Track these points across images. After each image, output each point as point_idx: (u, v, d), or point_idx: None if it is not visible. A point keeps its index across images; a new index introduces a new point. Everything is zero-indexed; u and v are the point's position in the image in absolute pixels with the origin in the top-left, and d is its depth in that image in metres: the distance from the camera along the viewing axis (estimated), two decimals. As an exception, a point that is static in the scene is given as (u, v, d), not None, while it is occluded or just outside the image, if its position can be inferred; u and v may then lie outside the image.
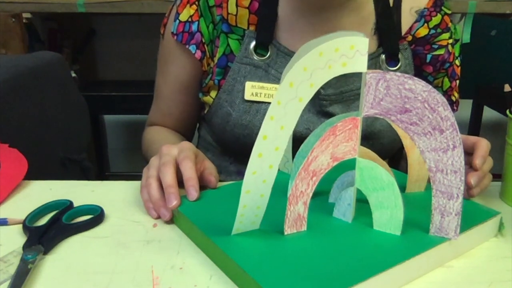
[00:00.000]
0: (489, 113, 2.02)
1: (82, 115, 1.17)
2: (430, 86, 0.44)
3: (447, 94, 0.82)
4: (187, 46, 0.75)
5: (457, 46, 0.80)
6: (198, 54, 0.75)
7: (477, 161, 0.57)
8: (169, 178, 0.56)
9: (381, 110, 0.46)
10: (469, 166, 0.58)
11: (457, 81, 0.82)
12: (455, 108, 0.83)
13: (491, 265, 0.49)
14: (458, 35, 0.80)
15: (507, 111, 0.61)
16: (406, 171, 0.59)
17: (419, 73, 0.78)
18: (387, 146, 0.76)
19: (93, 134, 2.12)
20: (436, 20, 0.76)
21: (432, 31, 0.76)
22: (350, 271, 0.43)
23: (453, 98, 0.83)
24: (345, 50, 0.44)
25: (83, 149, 1.16)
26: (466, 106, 2.03)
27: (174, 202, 0.55)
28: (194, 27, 0.74)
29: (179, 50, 0.77)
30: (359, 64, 0.45)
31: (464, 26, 1.84)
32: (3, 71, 0.91)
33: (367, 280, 0.42)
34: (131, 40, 2.15)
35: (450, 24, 0.78)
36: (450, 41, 0.78)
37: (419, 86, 0.44)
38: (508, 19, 1.87)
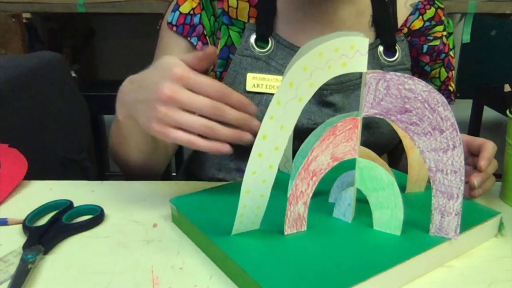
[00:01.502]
0: (489, 113, 2.02)
1: (82, 115, 1.17)
2: (430, 86, 0.44)
3: (444, 84, 0.84)
4: (188, 39, 0.75)
5: (451, 39, 0.83)
6: (200, 45, 0.75)
7: (482, 162, 0.58)
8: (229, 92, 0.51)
9: (381, 110, 0.46)
10: (474, 167, 0.59)
11: (453, 72, 0.84)
12: (452, 98, 0.85)
13: (491, 265, 0.49)
14: (451, 28, 0.83)
15: (507, 111, 0.61)
16: (406, 167, 0.59)
17: (416, 63, 0.80)
18: (387, 135, 0.76)
19: (93, 134, 2.11)
20: (430, 13, 0.79)
21: (427, 23, 0.79)
22: (350, 271, 0.43)
23: (451, 89, 0.85)
24: (345, 50, 0.44)
25: (83, 149, 1.16)
26: (466, 106, 2.03)
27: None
28: (196, 20, 0.74)
29: (177, 41, 0.75)
30: (359, 64, 0.45)
31: (464, 26, 1.84)
32: (3, 71, 0.91)
33: (367, 280, 0.42)
34: (131, 40, 2.14)
35: (443, 18, 0.80)
36: (444, 33, 0.80)
37: (419, 86, 0.44)
38: (508, 19, 1.87)
